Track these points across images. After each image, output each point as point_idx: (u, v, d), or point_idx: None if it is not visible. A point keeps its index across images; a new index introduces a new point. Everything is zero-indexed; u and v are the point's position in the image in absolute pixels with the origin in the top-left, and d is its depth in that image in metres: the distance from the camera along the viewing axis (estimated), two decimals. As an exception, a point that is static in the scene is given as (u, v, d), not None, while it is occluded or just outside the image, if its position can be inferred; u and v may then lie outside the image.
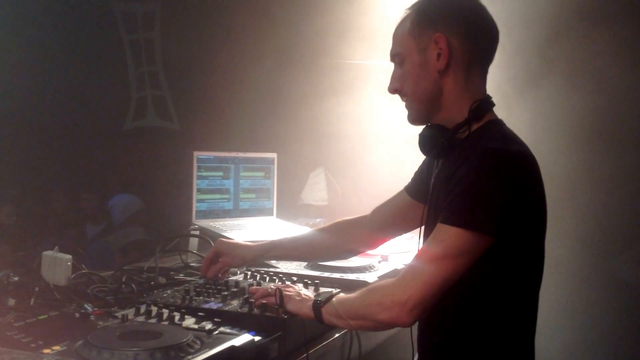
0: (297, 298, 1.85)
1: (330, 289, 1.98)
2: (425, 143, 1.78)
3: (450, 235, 1.58)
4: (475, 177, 1.57)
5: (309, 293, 1.90)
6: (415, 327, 1.82)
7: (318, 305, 1.79)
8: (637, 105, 3.29)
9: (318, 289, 2.05)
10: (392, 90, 1.81)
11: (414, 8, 1.76)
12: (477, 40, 1.70)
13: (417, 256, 1.65)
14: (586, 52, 3.26)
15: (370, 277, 2.30)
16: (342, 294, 1.83)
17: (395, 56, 1.79)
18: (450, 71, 1.69)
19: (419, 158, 3.43)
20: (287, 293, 1.86)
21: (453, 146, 1.71)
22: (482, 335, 1.66)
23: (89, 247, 3.16)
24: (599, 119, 3.27)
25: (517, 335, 1.69)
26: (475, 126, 1.70)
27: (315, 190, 3.80)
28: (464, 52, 1.69)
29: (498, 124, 1.73)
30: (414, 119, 1.80)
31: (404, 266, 2.51)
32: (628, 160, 3.23)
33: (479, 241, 1.56)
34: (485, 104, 1.71)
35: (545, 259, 1.74)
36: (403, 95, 1.80)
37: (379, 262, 2.55)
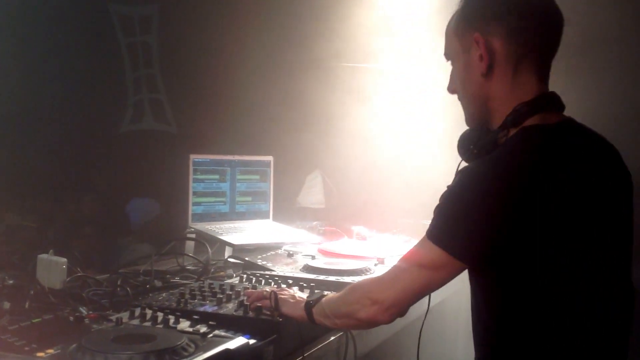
0: (291, 301, 1.85)
1: (320, 292, 1.99)
2: (459, 145, 1.71)
3: (426, 247, 1.54)
4: (458, 194, 1.50)
5: (303, 296, 1.90)
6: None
7: (309, 305, 1.80)
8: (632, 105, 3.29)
9: (313, 292, 2.05)
10: (450, 90, 1.72)
11: (461, 4, 1.64)
12: (524, 37, 1.54)
13: (401, 259, 1.64)
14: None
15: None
16: (330, 294, 1.84)
17: (445, 55, 1.71)
18: (494, 73, 1.57)
19: (417, 161, 3.46)
20: (282, 296, 1.86)
21: (488, 152, 1.57)
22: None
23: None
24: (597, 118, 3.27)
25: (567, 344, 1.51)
26: (512, 132, 1.56)
27: (312, 194, 3.79)
28: (509, 52, 1.55)
29: (533, 130, 1.53)
30: (468, 123, 1.70)
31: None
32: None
33: (454, 263, 1.50)
34: (526, 105, 1.54)
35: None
36: (458, 97, 1.71)
37: (375, 265, 2.54)
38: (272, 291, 1.88)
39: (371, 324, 1.70)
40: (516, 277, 1.50)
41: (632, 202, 1.60)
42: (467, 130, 1.71)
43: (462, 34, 1.60)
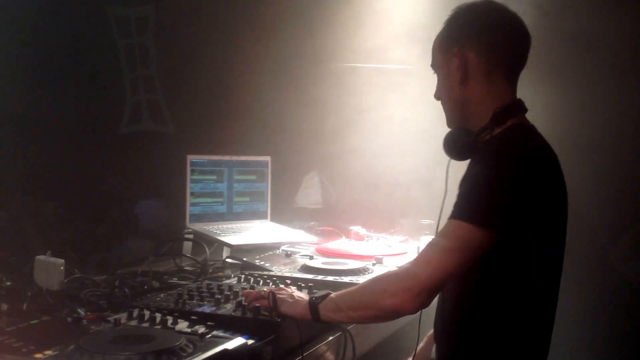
0: (290, 300, 1.86)
1: (325, 290, 1.99)
2: (446, 145, 1.91)
3: (455, 228, 1.66)
4: (480, 176, 1.69)
5: (302, 295, 1.90)
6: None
7: (315, 302, 1.81)
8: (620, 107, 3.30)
9: (312, 292, 2.05)
10: (436, 97, 1.95)
11: (445, 22, 1.90)
12: (495, 51, 1.80)
13: (425, 248, 1.73)
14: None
15: (364, 280, 2.30)
16: (339, 292, 1.86)
17: (432, 67, 1.94)
18: (469, 82, 1.82)
19: (414, 163, 3.46)
20: (280, 295, 1.87)
21: (474, 149, 1.81)
22: (491, 331, 1.75)
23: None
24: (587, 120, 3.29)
25: (527, 333, 1.77)
26: (497, 130, 1.79)
27: (310, 194, 3.80)
28: (482, 63, 1.80)
29: (520, 128, 1.80)
30: (449, 125, 1.93)
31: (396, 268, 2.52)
32: (616, 154, 3.25)
33: (483, 236, 1.63)
34: (508, 109, 1.80)
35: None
36: (442, 102, 1.94)
37: (373, 264, 2.55)
38: (270, 291, 1.88)
39: (395, 312, 1.71)
40: (522, 251, 1.70)
41: None
42: (449, 132, 1.92)
43: (445, 49, 1.85)
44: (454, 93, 1.85)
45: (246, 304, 1.87)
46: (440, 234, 1.71)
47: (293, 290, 1.95)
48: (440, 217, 1.92)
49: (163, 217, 3.41)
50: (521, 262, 1.72)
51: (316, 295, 1.85)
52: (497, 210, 1.64)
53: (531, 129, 1.83)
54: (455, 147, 1.87)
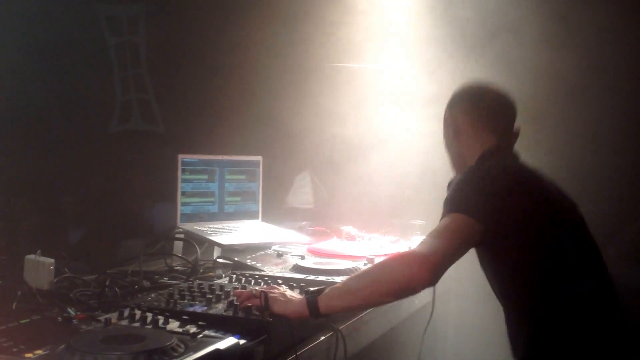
0: (282, 299, 1.85)
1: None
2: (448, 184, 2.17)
3: (450, 219, 1.89)
4: (460, 183, 2.01)
5: (294, 294, 1.90)
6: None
7: (313, 295, 1.82)
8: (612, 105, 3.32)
9: (303, 291, 2.05)
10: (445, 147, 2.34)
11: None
12: (481, 116, 2.19)
13: (425, 238, 1.88)
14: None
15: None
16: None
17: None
18: (460, 137, 2.21)
19: (405, 163, 3.46)
20: (272, 295, 1.86)
21: None
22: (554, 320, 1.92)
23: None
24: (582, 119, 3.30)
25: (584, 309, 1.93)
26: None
27: (301, 194, 3.79)
28: (467, 124, 2.20)
29: (499, 160, 2.11)
30: (452, 168, 2.31)
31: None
32: (606, 154, 3.26)
33: (469, 224, 1.87)
34: (489, 151, 2.14)
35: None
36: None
37: (365, 264, 2.54)
38: (262, 290, 1.87)
39: (411, 281, 1.78)
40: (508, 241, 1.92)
41: None
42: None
43: (447, 112, 2.28)
44: (451, 147, 2.27)
45: (237, 303, 1.87)
46: (438, 225, 1.91)
47: (285, 289, 1.95)
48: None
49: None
50: (515, 252, 1.94)
51: (311, 290, 1.86)
52: (479, 203, 1.91)
53: (509, 161, 2.14)
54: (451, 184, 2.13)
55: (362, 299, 1.86)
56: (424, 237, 1.91)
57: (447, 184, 2.15)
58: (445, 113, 2.31)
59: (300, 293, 1.99)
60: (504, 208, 1.91)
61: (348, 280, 1.91)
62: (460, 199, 1.94)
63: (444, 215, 1.92)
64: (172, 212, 2.97)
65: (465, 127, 2.21)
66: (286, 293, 1.90)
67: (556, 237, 1.97)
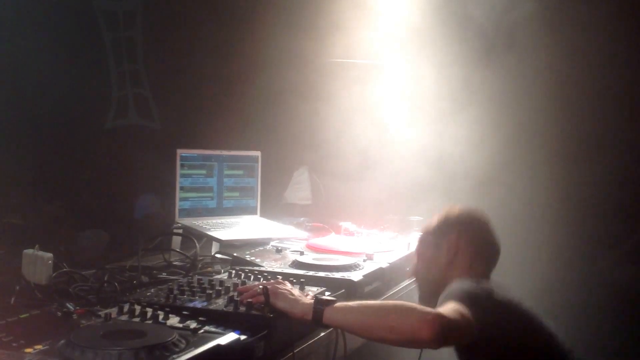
0: (290, 297, 1.84)
1: (320, 289, 1.98)
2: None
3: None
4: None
5: (301, 295, 1.89)
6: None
7: (322, 304, 1.81)
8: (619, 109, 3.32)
9: (303, 288, 2.04)
10: (410, 274, 2.34)
11: (437, 220, 2.28)
12: (478, 243, 2.20)
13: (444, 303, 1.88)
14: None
15: (355, 276, 2.29)
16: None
17: (417, 252, 2.31)
18: (456, 262, 2.17)
19: (404, 160, 3.46)
20: (279, 290, 1.85)
21: None
22: None
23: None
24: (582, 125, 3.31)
25: None
26: None
27: (299, 190, 3.78)
28: (467, 249, 2.18)
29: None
30: (421, 299, 2.24)
31: (387, 265, 2.53)
32: (611, 160, 3.25)
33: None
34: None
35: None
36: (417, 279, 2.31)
37: (364, 260, 2.54)
38: (265, 287, 1.86)
39: (418, 334, 1.71)
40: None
41: None
42: None
43: (439, 236, 2.22)
44: (437, 272, 2.20)
45: (238, 299, 1.85)
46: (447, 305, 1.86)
47: (292, 287, 1.94)
48: None
49: (155, 209, 3.36)
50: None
51: (322, 298, 1.85)
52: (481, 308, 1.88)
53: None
54: None
55: (364, 328, 1.84)
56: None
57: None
58: (437, 232, 2.25)
59: (301, 289, 1.99)
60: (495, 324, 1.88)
61: (362, 304, 1.85)
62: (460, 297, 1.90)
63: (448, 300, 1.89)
64: (170, 207, 2.96)
65: (463, 253, 2.19)
66: (293, 291, 1.89)
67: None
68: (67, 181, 3.81)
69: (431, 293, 2.16)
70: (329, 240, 3.01)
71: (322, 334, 2.04)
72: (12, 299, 1.86)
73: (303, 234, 3.10)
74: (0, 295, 1.87)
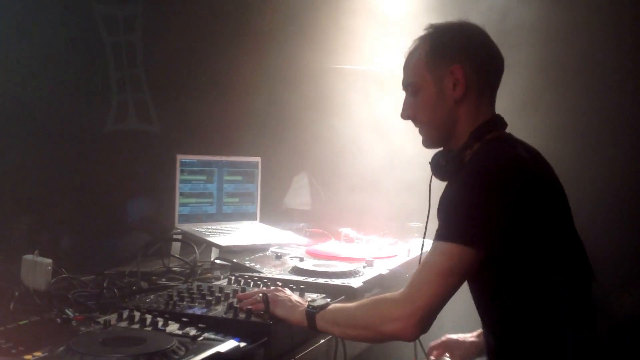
0: (289, 304, 1.84)
1: (320, 295, 1.97)
2: (434, 167, 1.88)
3: (444, 250, 1.64)
4: (460, 195, 1.67)
5: (300, 300, 1.89)
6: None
7: (312, 311, 1.79)
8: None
9: (303, 294, 2.03)
10: (406, 117, 1.91)
11: (426, 39, 1.85)
12: (487, 69, 1.82)
13: (420, 273, 1.69)
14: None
15: (355, 282, 2.29)
16: (337, 303, 1.84)
17: (408, 86, 1.88)
18: (465, 99, 1.79)
19: (404, 165, 3.45)
20: (279, 298, 1.85)
21: (459, 168, 1.78)
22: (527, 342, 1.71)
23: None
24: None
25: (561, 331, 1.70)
26: (476, 146, 1.78)
27: (299, 195, 3.78)
28: (477, 81, 1.79)
29: (498, 140, 1.78)
30: (429, 144, 1.91)
31: (387, 271, 2.52)
32: (611, 161, 3.24)
33: (471, 254, 1.62)
34: (487, 124, 1.79)
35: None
36: (417, 123, 1.90)
37: (364, 267, 2.53)
38: (264, 294, 1.86)
39: (394, 338, 1.69)
40: (514, 260, 1.66)
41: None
42: (436, 154, 1.90)
43: (436, 66, 1.80)
44: (443, 112, 1.81)
45: (237, 305, 1.85)
46: (431, 257, 1.67)
47: (291, 294, 1.93)
48: (425, 232, 1.97)
49: (150, 212, 3.35)
50: (520, 272, 1.68)
51: (314, 303, 1.83)
52: (480, 226, 1.62)
53: (508, 141, 1.80)
54: (445, 170, 1.84)
55: (350, 337, 1.86)
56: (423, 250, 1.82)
57: (430, 161, 1.89)
58: (431, 61, 1.81)
59: (301, 295, 1.98)
60: (509, 223, 1.63)
61: (344, 310, 1.79)
62: (455, 223, 1.65)
63: (437, 238, 1.67)
64: (170, 212, 2.95)
65: (473, 88, 1.79)
66: (292, 298, 1.88)
67: (558, 249, 1.72)
68: (67, 186, 3.80)
69: (439, 139, 1.87)
70: (328, 246, 3.01)
71: (322, 340, 2.04)
72: (11, 305, 1.85)
73: (303, 239, 3.10)
74: (0, 301, 1.85)
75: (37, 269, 2.09)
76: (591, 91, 3.29)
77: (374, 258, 2.63)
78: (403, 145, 3.52)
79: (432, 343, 2.14)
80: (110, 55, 4.32)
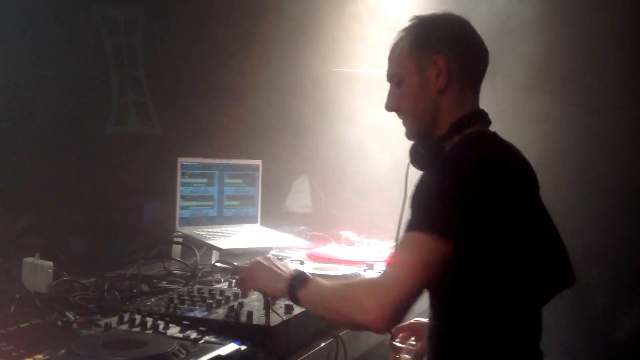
0: (268, 275, 1.80)
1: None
2: (413, 155, 1.89)
3: (415, 239, 1.59)
4: (432, 186, 1.65)
5: (286, 266, 1.84)
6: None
7: (294, 287, 1.73)
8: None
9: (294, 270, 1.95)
10: (389, 108, 1.90)
11: (410, 30, 1.85)
12: (470, 60, 1.82)
13: (392, 264, 1.65)
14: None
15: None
16: (318, 279, 1.75)
17: (392, 76, 1.87)
18: (448, 90, 1.78)
19: (404, 168, 3.45)
20: (259, 270, 1.83)
21: (436, 157, 1.79)
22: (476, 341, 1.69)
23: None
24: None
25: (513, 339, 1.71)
26: (456, 138, 1.78)
27: (299, 198, 3.78)
28: (460, 71, 1.79)
29: (478, 135, 1.78)
30: (412, 136, 1.89)
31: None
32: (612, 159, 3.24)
33: (442, 245, 1.57)
34: (469, 117, 1.79)
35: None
36: (401, 114, 1.89)
37: (365, 270, 2.54)
38: (238, 266, 1.89)
39: (367, 328, 1.63)
40: (480, 254, 1.63)
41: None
42: (415, 144, 1.89)
43: (419, 56, 1.80)
44: (425, 103, 1.80)
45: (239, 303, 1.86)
46: (403, 247, 1.63)
47: (275, 260, 1.88)
48: (400, 222, 1.95)
49: (162, 215, 3.35)
50: (486, 268, 1.65)
51: (295, 277, 1.75)
52: (450, 216, 1.59)
53: (488, 137, 1.80)
54: (423, 159, 1.84)
55: (326, 319, 1.79)
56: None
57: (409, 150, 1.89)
58: (414, 52, 1.81)
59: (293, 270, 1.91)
60: (478, 217, 1.60)
61: (324, 290, 1.71)
62: (425, 213, 1.62)
63: (408, 228, 1.63)
64: (170, 215, 2.95)
65: (456, 78, 1.79)
66: (273, 267, 1.83)
67: (525, 249, 1.70)
68: (67, 188, 3.80)
69: (422, 131, 1.85)
70: (329, 249, 3.01)
71: (323, 343, 2.04)
72: (12, 308, 1.85)
73: (303, 243, 3.10)
74: (1, 304, 1.86)
75: (38, 271, 2.10)
76: (591, 91, 3.29)
77: (375, 261, 2.63)
78: (405, 148, 3.53)
79: (399, 325, 2.07)
80: (111, 57, 4.32)
